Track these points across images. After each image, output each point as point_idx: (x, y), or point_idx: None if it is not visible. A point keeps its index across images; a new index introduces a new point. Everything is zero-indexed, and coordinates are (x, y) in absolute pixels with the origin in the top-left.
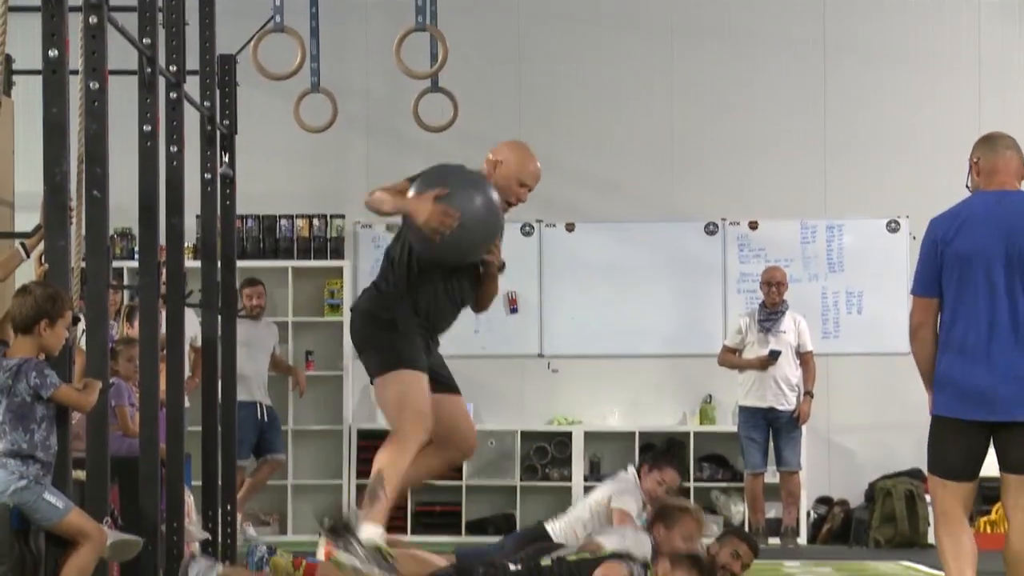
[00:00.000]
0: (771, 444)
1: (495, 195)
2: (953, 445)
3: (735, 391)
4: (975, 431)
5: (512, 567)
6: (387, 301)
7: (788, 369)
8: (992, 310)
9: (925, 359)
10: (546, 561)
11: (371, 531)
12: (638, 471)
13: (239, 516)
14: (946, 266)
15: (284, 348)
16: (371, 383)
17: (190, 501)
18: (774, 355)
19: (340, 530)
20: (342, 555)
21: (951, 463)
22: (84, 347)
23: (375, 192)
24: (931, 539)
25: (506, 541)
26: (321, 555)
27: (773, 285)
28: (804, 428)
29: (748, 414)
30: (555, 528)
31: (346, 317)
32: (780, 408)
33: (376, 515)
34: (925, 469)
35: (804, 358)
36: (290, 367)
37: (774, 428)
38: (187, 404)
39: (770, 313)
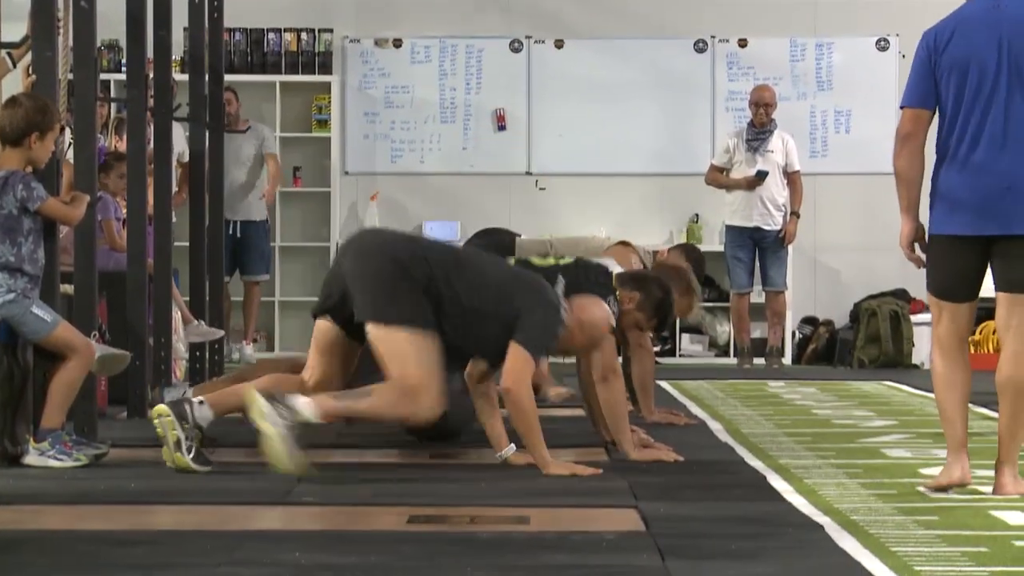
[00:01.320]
0: (757, 264)
1: None
2: (950, 263)
3: (722, 211)
4: (972, 247)
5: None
6: None
7: (775, 189)
8: (990, 119)
9: (910, 174)
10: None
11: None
12: None
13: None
14: (941, 75)
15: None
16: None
17: (177, 316)
18: (761, 175)
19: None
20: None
21: (948, 283)
22: (71, 159)
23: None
24: (915, 359)
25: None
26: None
27: (761, 106)
28: (790, 248)
29: (734, 233)
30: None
31: (335, 132)
32: (766, 228)
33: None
34: (910, 290)
35: (791, 178)
36: (274, 177)
37: (760, 248)
38: (174, 219)
39: (758, 132)
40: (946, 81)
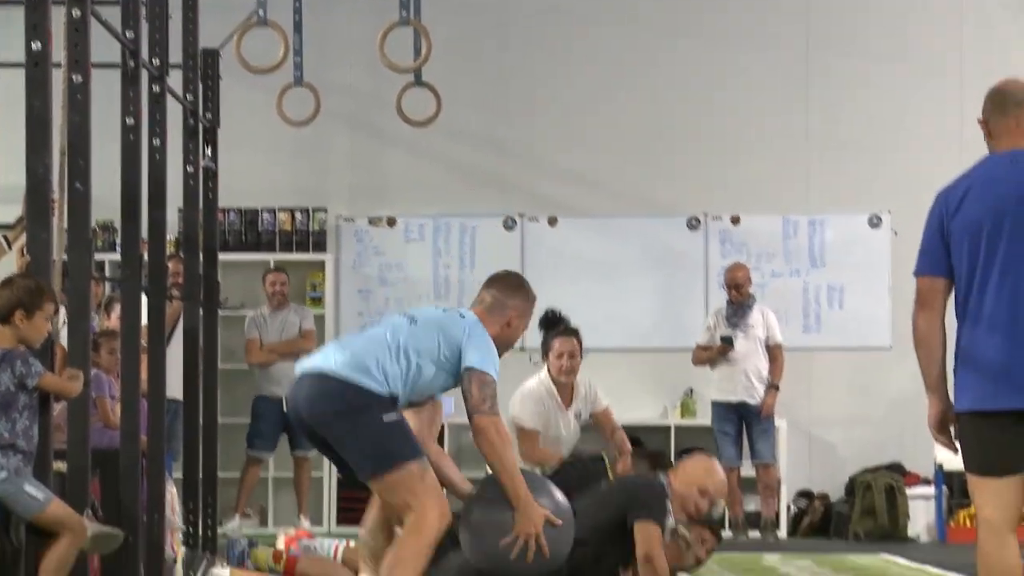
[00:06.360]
0: (745, 438)
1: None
2: (986, 437)
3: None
4: (1010, 421)
5: None
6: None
7: (759, 362)
8: (1013, 281)
9: (930, 339)
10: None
11: None
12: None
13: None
14: (954, 239)
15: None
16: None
17: (172, 492)
18: (726, 340)
19: None
20: None
21: (988, 457)
22: (64, 342)
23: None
24: (911, 532)
25: None
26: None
27: (733, 287)
28: (784, 421)
29: (720, 408)
30: None
31: (328, 310)
32: (751, 402)
33: None
34: (905, 463)
35: (773, 352)
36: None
37: (746, 422)
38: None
39: (737, 308)
40: (959, 244)
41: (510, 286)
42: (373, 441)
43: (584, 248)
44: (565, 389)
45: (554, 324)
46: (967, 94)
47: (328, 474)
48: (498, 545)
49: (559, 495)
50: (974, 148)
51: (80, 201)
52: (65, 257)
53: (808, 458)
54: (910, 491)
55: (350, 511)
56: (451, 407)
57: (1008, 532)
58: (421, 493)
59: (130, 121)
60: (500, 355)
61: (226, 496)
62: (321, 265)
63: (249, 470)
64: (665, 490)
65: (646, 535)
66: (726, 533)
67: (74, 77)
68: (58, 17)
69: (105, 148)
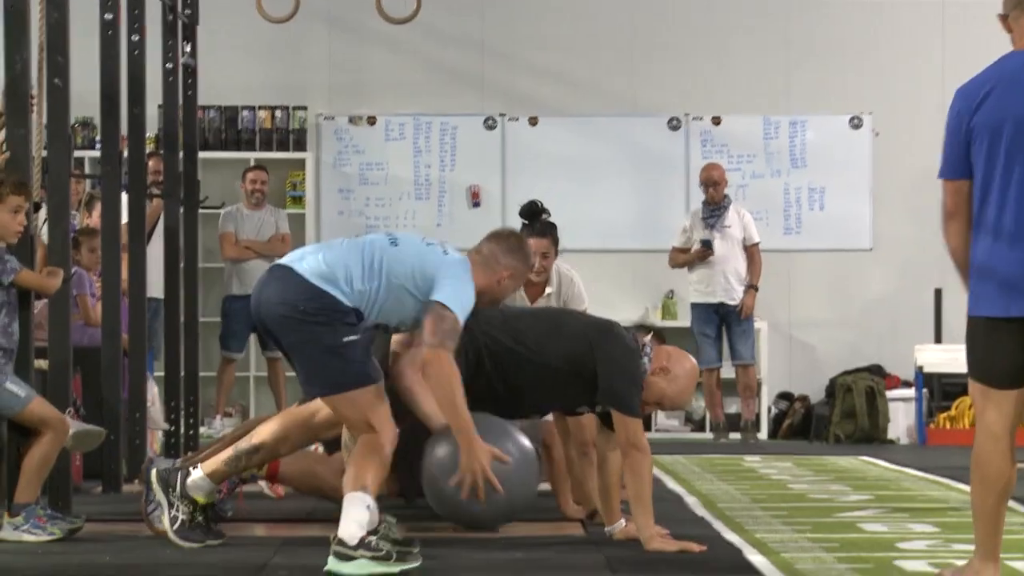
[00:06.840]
0: (725, 339)
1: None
2: (996, 346)
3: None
4: (1013, 328)
5: None
6: None
7: (737, 263)
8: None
9: (960, 252)
10: None
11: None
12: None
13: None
14: (975, 140)
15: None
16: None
17: (154, 390)
18: (705, 244)
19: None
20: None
21: (994, 367)
22: (44, 238)
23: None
24: (891, 435)
25: None
26: None
27: (710, 185)
28: (765, 323)
29: (699, 310)
30: None
31: (309, 209)
32: (730, 303)
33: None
34: (885, 366)
35: (750, 251)
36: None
37: (726, 323)
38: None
39: (713, 209)
40: (979, 145)
41: (510, 247)
42: (326, 361)
43: (565, 148)
44: (534, 287)
45: (533, 217)
46: None
47: None
48: (447, 486)
49: (522, 439)
50: (955, 50)
51: (59, 97)
52: (44, 154)
53: (788, 360)
54: (890, 393)
55: None
56: None
57: (1006, 438)
58: (381, 410)
59: (109, 17)
60: (481, 305)
61: (207, 395)
62: (301, 164)
63: (225, 370)
64: (642, 377)
65: (623, 424)
66: (706, 435)
67: None
68: None
69: (84, 44)
